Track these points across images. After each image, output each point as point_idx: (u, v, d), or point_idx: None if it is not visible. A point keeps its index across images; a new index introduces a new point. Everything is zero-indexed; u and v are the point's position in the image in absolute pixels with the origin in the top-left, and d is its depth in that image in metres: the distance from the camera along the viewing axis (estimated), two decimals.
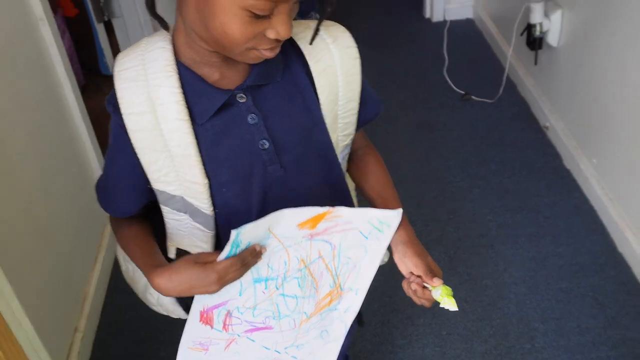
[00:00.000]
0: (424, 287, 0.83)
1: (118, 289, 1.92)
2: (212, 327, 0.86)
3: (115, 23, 2.81)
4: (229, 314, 0.85)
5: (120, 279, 1.96)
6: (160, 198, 0.85)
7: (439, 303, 0.82)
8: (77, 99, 1.84)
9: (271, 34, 0.72)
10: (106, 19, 2.76)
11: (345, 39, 0.85)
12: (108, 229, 2.00)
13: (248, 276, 0.82)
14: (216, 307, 0.84)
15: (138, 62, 0.78)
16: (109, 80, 3.00)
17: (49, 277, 1.58)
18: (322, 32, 0.84)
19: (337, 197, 0.95)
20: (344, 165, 0.96)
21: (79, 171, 1.88)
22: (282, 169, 0.85)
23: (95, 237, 1.94)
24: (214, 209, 0.84)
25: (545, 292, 1.79)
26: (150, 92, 0.76)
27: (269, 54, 0.75)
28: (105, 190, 0.90)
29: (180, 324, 1.80)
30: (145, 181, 0.82)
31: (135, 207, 0.88)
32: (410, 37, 3.21)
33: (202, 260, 0.78)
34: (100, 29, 2.73)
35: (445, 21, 3.21)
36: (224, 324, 0.86)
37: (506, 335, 1.69)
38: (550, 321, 1.71)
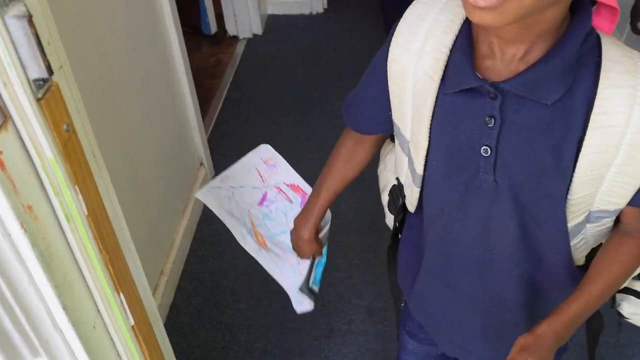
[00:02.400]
0: None
1: (203, 240, 1.99)
2: None
3: None
4: None
5: (205, 230, 2.06)
6: (394, 129, 0.87)
7: None
8: (183, 55, 1.91)
9: None
10: None
11: None
12: (199, 180, 2.07)
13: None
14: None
15: (436, 4, 0.77)
16: (209, 39, 3.08)
17: (140, 221, 1.66)
18: None
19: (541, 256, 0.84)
20: (579, 235, 0.82)
21: (177, 124, 1.96)
22: (494, 182, 0.77)
23: (186, 188, 2.01)
24: (424, 172, 0.83)
25: None
26: (425, 36, 0.76)
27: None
28: (351, 105, 0.96)
29: (256, 281, 1.86)
30: (388, 109, 0.85)
31: (372, 129, 0.94)
32: None
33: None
34: None
35: None
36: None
37: None
38: None
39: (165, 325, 1.75)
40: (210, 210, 2.09)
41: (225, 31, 3.00)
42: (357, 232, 1.97)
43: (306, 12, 3.13)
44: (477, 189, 0.79)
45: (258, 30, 2.99)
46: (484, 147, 0.75)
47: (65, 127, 0.60)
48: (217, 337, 1.72)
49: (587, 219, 0.78)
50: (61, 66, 0.60)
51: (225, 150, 2.30)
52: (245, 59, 2.83)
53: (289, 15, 3.13)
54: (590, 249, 0.84)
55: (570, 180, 0.72)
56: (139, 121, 1.66)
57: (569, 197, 0.74)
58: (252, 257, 1.90)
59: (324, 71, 2.70)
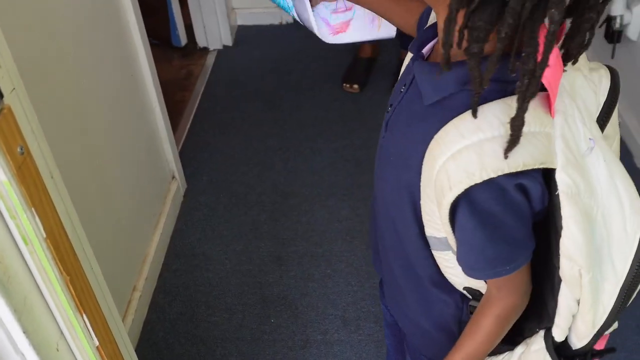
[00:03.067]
0: None
1: (177, 254, 1.98)
2: None
3: None
4: None
5: (179, 244, 2.05)
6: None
7: None
8: (151, 68, 1.90)
9: None
10: None
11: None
12: (171, 194, 2.06)
13: None
14: None
15: None
16: (179, 51, 3.07)
17: (112, 237, 1.65)
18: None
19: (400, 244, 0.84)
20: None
21: (147, 137, 1.95)
22: (384, 141, 0.84)
23: (158, 201, 2.00)
24: None
25: None
26: None
27: None
28: None
29: (230, 293, 1.86)
30: None
31: None
32: None
33: None
34: (174, 2, 2.79)
35: None
36: None
37: None
38: None
39: (140, 341, 1.74)
40: (184, 223, 2.09)
41: (195, 43, 2.99)
42: (330, 241, 1.97)
43: (276, 22, 3.13)
44: (381, 145, 0.85)
45: (228, 41, 2.99)
46: (389, 106, 0.82)
47: (19, 149, 0.60)
48: (192, 351, 1.71)
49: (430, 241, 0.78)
50: (14, 88, 0.60)
51: (197, 162, 2.30)
52: (216, 70, 2.83)
53: (258, 25, 3.13)
54: (469, 283, 0.81)
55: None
56: (108, 136, 1.65)
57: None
58: (226, 270, 1.90)
59: (295, 81, 2.71)
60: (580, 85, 0.71)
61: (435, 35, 0.76)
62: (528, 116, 0.61)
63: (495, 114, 0.63)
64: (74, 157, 1.43)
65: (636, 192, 0.69)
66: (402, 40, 2.58)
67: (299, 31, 3.09)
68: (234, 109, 2.58)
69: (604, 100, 0.74)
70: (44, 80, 1.30)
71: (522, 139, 0.61)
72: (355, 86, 2.62)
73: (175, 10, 2.82)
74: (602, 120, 0.74)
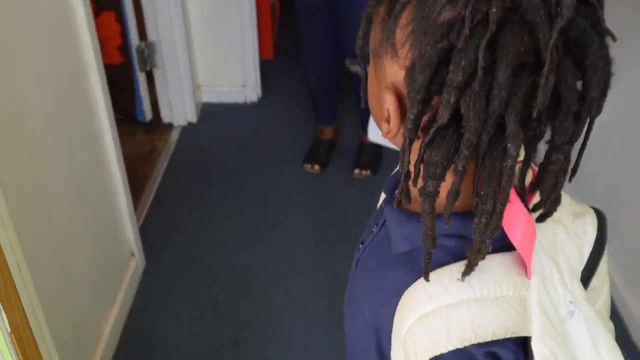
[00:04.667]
0: None
1: (133, 334, 1.94)
2: None
3: (156, 73, 2.93)
4: None
5: (136, 323, 2.01)
6: None
7: None
8: (116, 146, 1.91)
9: None
10: (148, 68, 2.87)
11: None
12: (130, 271, 2.04)
13: None
14: None
15: None
16: (143, 126, 3.10)
17: (68, 314, 1.62)
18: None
19: None
20: None
21: (108, 214, 1.94)
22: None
23: (116, 279, 1.97)
24: None
25: None
26: None
27: None
28: None
29: None
30: None
31: None
32: None
33: None
34: (141, 78, 2.83)
35: None
36: None
37: None
38: None
39: None
40: (142, 302, 2.06)
41: (160, 118, 3.02)
42: (289, 323, 1.96)
43: (240, 100, 3.20)
44: (352, 282, 0.80)
45: (193, 118, 3.03)
46: (361, 243, 0.78)
47: None
48: None
49: None
50: None
51: (158, 240, 2.29)
52: (179, 147, 2.85)
53: (223, 103, 3.19)
54: None
55: None
56: (69, 213, 1.64)
57: None
58: (183, 353, 1.86)
59: (257, 160, 2.74)
60: (561, 239, 0.66)
61: None
62: (500, 278, 0.58)
63: None
64: (34, 236, 1.42)
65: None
66: (363, 125, 2.67)
67: (262, 110, 3.16)
68: (196, 186, 2.59)
69: (590, 250, 0.68)
70: (10, 159, 1.30)
71: (492, 304, 0.57)
72: (316, 167, 2.66)
73: (141, 85, 2.86)
74: (588, 274, 0.68)
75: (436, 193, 0.56)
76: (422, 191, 0.56)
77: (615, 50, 0.53)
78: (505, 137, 0.51)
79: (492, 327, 0.56)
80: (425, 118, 0.54)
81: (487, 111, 0.50)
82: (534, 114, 0.50)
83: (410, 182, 0.60)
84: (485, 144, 0.52)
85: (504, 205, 0.55)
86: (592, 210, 0.70)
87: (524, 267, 0.60)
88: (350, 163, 2.68)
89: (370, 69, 0.63)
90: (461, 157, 0.53)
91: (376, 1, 0.60)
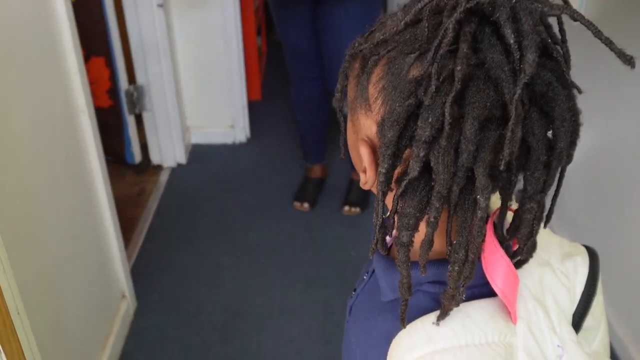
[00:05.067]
0: None
1: None
2: None
3: (145, 116, 2.96)
4: None
5: None
6: None
7: None
8: (107, 188, 1.93)
9: None
10: (137, 112, 2.91)
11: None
12: (121, 313, 2.04)
13: None
14: None
15: None
16: (133, 168, 3.11)
17: (58, 358, 1.61)
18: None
19: None
20: None
21: (99, 256, 1.95)
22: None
23: (107, 321, 1.97)
24: None
25: None
26: None
27: None
28: None
29: None
30: None
31: None
32: None
33: None
34: (130, 121, 2.87)
35: None
36: None
37: None
38: None
39: None
40: (133, 345, 2.06)
41: (149, 160, 3.05)
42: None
43: (229, 141, 3.23)
44: (346, 329, 0.80)
45: (182, 159, 3.06)
46: (354, 290, 0.78)
47: None
48: None
49: None
50: None
51: (148, 281, 2.29)
52: (169, 188, 2.87)
53: (212, 144, 3.22)
54: None
55: None
56: (60, 254, 1.65)
57: None
58: None
59: (246, 200, 2.76)
60: (549, 281, 0.66)
61: None
62: (485, 325, 0.59)
63: (448, 323, 0.59)
64: (28, 281, 1.43)
65: None
66: (352, 163, 2.70)
67: (251, 150, 3.19)
68: (186, 226, 2.61)
69: (582, 290, 0.68)
70: (3, 203, 1.31)
71: (476, 351, 0.57)
72: (306, 205, 2.69)
73: (131, 128, 2.89)
74: (581, 314, 0.68)
75: (410, 243, 0.56)
76: (396, 241, 0.57)
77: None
78: (475, 188, 0.52)
79: None
80: (397, 170, 0.55)
81: (456, 164, 0.51)
82: (502, 167, 0.51)
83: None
84: (456, 196, 0.53)
85: (475, 255, 0.55)
86: (583, 249, 0.70)
87: (509, 312, 0.60)
88: (339, 200, 2.71)
89: (349, 121, 0.64)
90: (433, 209, 0.54)
91: (351, 57, 0.61)
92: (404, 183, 0.54)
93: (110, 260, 2.03)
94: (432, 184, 0.53)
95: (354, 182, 2.73)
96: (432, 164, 0.52)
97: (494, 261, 0.59)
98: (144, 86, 2.87)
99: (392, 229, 0.59)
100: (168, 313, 2.16)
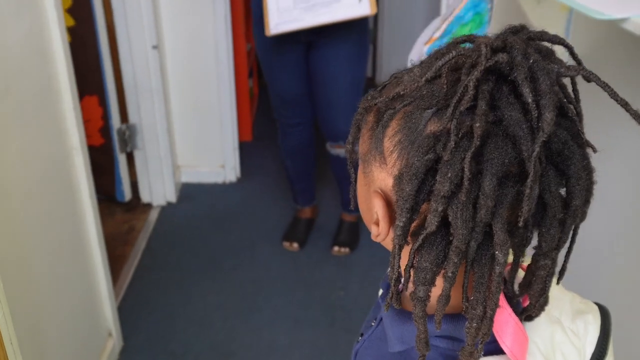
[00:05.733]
0: None
1: None
2: None
3: (136, 154, 2.98)
4: None
5: None
6: None
7: None
8: (97, 225, 1.94)
9: None
10: (129, 150, 2.92)
11: None
12: (107, 352, 2.02)
13: None
14: None
15: None
16: (122, 205, 3.11)
17: None
18: None
19: None
20: None
21: (86, 294, 1.94)
22: None
23: (93, 359, 1.96)
24: None
25: None
26: None
27: None
28: None
29: None
30: None
31: None
32: None
33: None
34: (122, 159, 2.88)
35: None
36: None
37: None
38: None
39: None
40: None
41: (139, 198, 3.05)
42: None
43: (219, 180, 3.25)
44: None
45: (172, 197, 3.06)
46: (360, 335, 0.78)
47: None
48: None
49: None
50: None
51: (135, 319, 2.27)
52: (158, 227, 2.87)
53: (203, 183, 3.23)
54: None
55: None
56: (47, 292, 1.65)
57: None
58: None
59: (236, 240, 2.77)
60: (559, 340, 0.65)
61: None
62: None
63: None
64: (18, 314, 1.42)
65: None
66: (343, 203, 2.72)
67: (241, 190, 3.20)
68: (175, 265, 2.60)
69: (592, 351, 0.67)
70: None
71: None
72: (295, 245, 2.69)
73: (121, 166, 2.90)
74: None
75: (427, 297, 0.56)
76: (412, 296, 0.57)
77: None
78: (493, 244, 0.52)
79: None
80: (414, 224, 0.55)
81: (474, 219, 0.51)
82: (521, 223, 0.51)
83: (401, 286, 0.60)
84: (474, 251, 0.53)
85: (493, 311, 0.55)
86: (595, 307, 0.69)
87: None
88: (328, 240, 2.72)
89: (360, 172, 0.64)
90: (451, 264, 0.53)
91: (365, 109, 0.62)
92: (421, 237, 0.54)
93: (97, 297, 2.02)
94: (450, 238, 0.53)
95: (343, 223, 2.74)
96: (450, 219, 0.52)
97: (502, 320, 0.59)
98: (136, 125, 2.90)
99: (407, 282, 0.59)
100: (155, 352, 2.15)
